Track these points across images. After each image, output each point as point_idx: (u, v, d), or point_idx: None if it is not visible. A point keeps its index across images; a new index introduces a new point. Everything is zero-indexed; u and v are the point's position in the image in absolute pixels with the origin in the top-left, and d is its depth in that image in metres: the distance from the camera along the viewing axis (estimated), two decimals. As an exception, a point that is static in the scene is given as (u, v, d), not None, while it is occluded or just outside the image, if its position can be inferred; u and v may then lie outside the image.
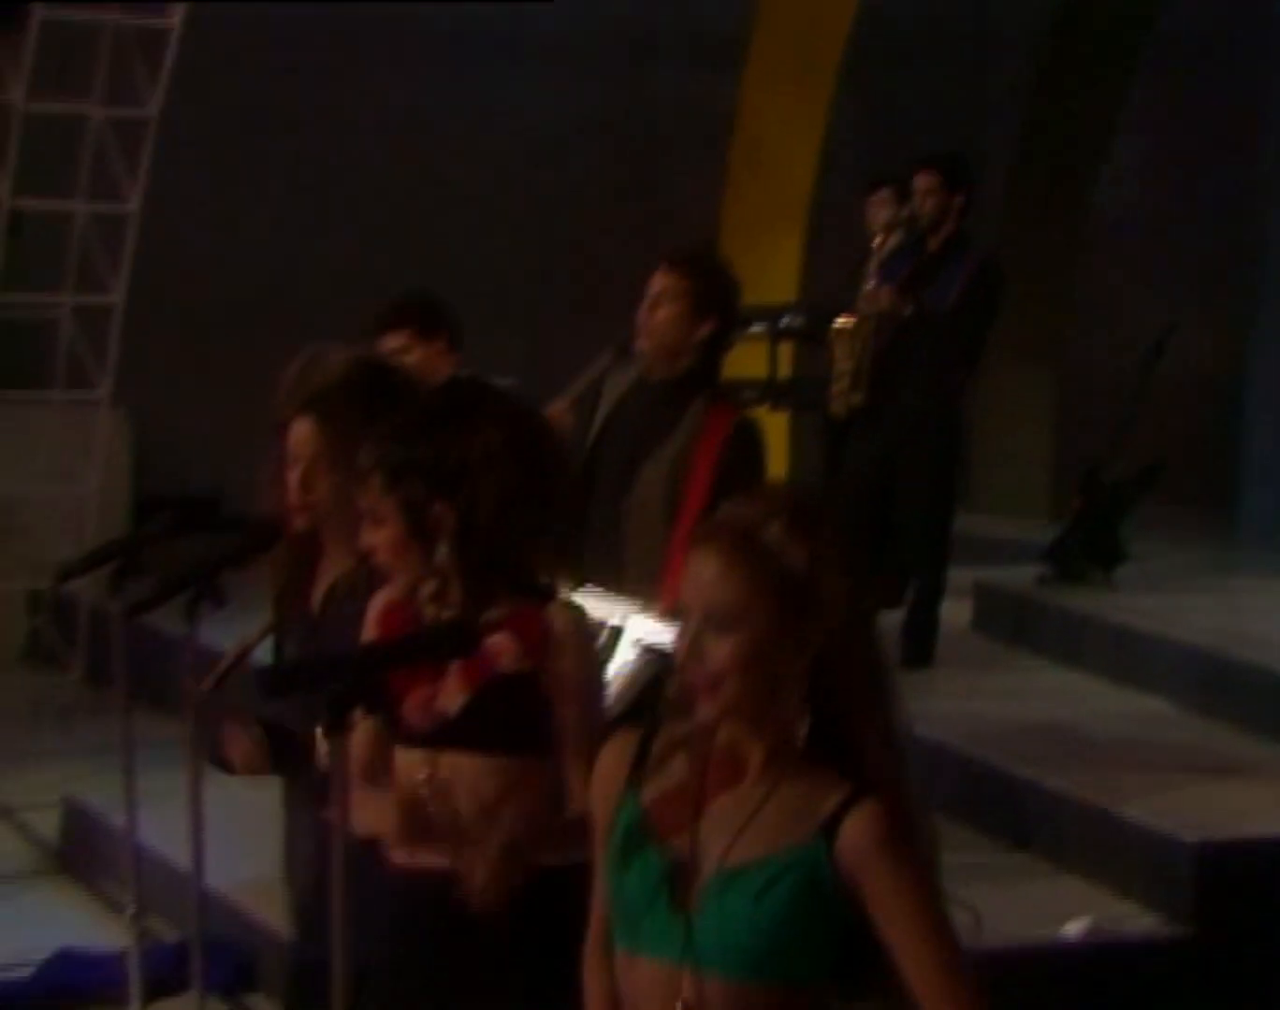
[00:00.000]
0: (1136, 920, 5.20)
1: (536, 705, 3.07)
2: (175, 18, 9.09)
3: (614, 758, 2.61)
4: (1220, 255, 11.22)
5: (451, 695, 3.09)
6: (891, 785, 2.48)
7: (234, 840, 6.18)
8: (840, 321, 7.72)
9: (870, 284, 7.68)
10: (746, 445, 4.90)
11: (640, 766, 2.57)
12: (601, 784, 2.61)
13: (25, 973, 5.83)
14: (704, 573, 2.48)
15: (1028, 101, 11.07)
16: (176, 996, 5.45)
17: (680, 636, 2.50)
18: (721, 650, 2.46)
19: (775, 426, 10.56)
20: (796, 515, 2.50)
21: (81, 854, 7.12)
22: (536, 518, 3.09)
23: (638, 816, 2.53)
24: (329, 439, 3.62)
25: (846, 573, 2.52)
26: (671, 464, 4.82)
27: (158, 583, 3.51)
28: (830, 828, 2.46)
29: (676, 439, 4.84)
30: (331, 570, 3.71)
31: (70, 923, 6.45)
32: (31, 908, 6.65)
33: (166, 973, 5.70)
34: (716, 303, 4.93)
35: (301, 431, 3.67)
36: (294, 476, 3.66)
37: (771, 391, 8.36)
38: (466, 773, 3.10)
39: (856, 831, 2.46)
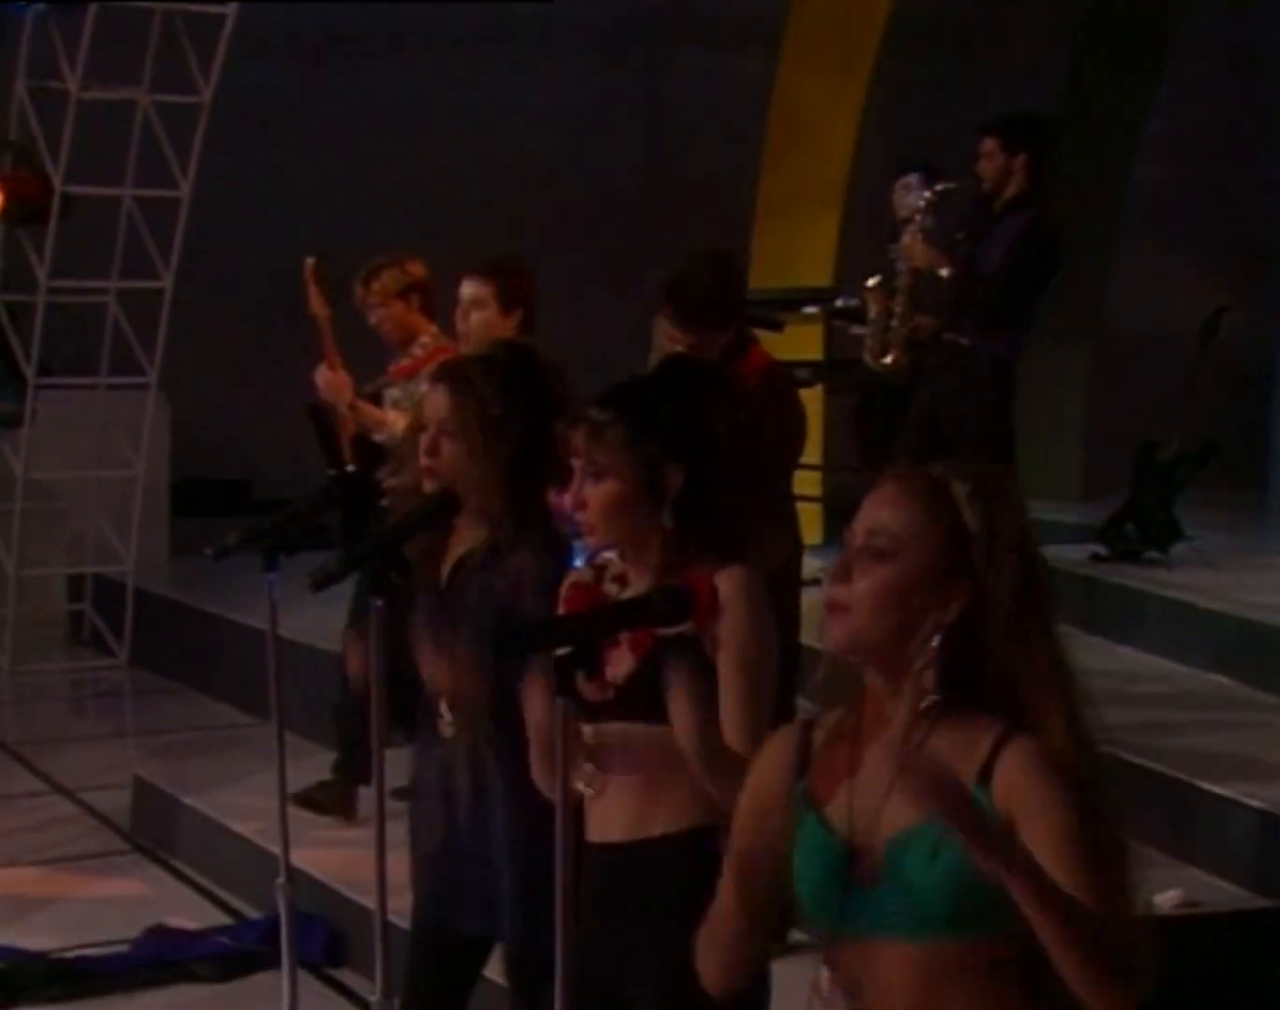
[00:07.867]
0: (1226, 893, 5.25)
1: (701, 671, 3.02)
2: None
3: (778, 746, 2.58)
4: (1259, 233, 11.27)
5: (620, 664, 3.09)
6: (1049, 724, 2.42)
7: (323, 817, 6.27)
8: (872, 281, 7.65)
9: (906, 238, 7.53)
10: None
11: (805, 752, 2.54)
12: (761, 772, 2.57)
13: (121, 948, 5.88)
14: (878, 501, 2.47)
15: (1064, 78, 11.09)
16: (266, 971, 5.49)
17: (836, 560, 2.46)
18: (869, 576, 2.44)
19: (812, 408, 10.57)
20: (983, 480, 2.50)
21: (151, 833, 7.18)
22: (753, 490, 3.15)
23: (804, 800, 2.51)
24: (459, 408, 3.72)
25: (1020, 544, 2.48)
26: None
27: (339, 558, 3.52)
28: (987, 769, 2.41)
29: None
30: (461, 543, 3.77)
31: (145, 899, 6.50)
32: (105, 886, 6.70)
33: (255, 948, 5.76)
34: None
35: (434, 398, 3.78)
36: (424, 441, 3.75)
37: (826, 373, 8.36)
38: (636, 743, 3.09)
39: (1011, 767, 2.41)
